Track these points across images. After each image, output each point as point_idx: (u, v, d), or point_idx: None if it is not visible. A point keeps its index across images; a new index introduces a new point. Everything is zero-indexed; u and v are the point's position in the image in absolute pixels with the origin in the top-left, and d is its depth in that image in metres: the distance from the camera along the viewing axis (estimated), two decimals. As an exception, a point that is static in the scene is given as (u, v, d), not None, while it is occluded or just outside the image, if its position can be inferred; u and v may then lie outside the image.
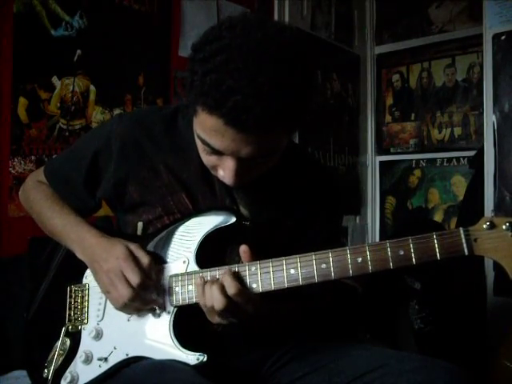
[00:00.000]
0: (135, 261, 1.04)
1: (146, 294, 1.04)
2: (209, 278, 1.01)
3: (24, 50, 1.81)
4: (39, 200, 1.24)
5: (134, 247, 1.06)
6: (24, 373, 1.19)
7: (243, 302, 0.97)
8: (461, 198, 2.99)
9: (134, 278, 1.01)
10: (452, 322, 2.46)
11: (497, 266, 2.37)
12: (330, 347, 1.15)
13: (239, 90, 0.87)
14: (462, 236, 0.89)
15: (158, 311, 1.06)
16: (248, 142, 0.93)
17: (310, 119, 2.81)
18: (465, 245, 0.89)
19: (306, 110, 0.99)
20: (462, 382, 0.98)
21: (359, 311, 2.26)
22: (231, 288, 0.96)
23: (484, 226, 0.89)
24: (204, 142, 0.98)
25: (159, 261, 1.10)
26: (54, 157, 1.83)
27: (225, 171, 1.00)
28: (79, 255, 1.12)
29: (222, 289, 0.96)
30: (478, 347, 2.39)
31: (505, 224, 0.88)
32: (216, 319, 0.99)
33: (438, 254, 0.90)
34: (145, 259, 1.05)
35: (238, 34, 0.90)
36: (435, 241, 0.90)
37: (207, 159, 1.03)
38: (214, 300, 0.96)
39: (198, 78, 0.91)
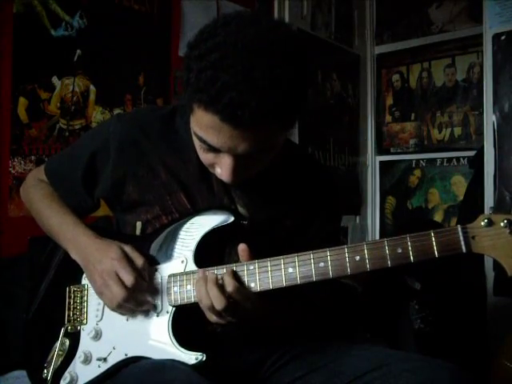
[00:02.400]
0: (129, 262, 1.04)
1: (140, 294, 1.05)
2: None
3: (24, 50, 1.81)
4: (38, 198, 1.24)
5: (128, 248, 1.06)
6: (24, 373, 1.19)
7: (241, 300, 0.97)
8: (461, 197, 2.98)
9: (128, 278, 1.02)
10: (452, 322, 2.45)
11: (497, 266, 2.37)
12: (329, 347, 1.15)
13: (234, 85, 0.87)
14: (460, 233, 0.89)
15: (157, 311, 1.06)
16: (244, 138, 0.93)
17: (308, 116, 2.81)
18: (462, 242, 0.89)
19: (302, 105, 0.99)
20: (463, 382, 0.98)
21: (359, 311, 2.26)
22: (229, 287, 0.96)
23: (482, 224, 0.89)
24: (201, 140, 0.98)
25: (157, 260, 1.10)
26: (54, 155, 1.83)
27: (222, 168, 0.99)
28: (74, 255, 1.12)
29: (221, 287, 0.96)
30: (478, 347, 2.38)
31: (503, 221, 0.87)
32: (214, 318, 0.99)
33: (435, 252, 0.90)
34: (139, 260, 1.05)
35: (232, 31, 0.91)
36: (433, 238, 0.90)
37: (204, 157, 1.03)
38: (212, 299, 0.96)
39: (194, 75, 0.91)
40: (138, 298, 1.05)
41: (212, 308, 0.97)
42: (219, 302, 0.95)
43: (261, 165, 1.03)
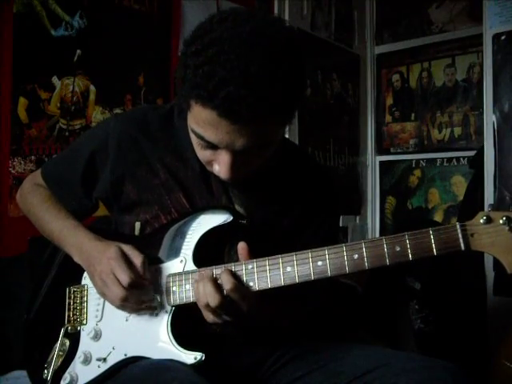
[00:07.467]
0: (127, 261, 1.03)
1: (139, 293, 1.04)
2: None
3: (24, 50, 1.81)
4: (36, 204, 1.23)
5: (127, 248, 1.06)
6: (24, 373, 1.19)
7: (238, 299, 0.96)
8: (461, 198, 2.98)
9: (124, 278, 1.01)
10: (452, 322, 2.45)
11: (497, 266, 2.37)
12: (329, 347, 1.15)
13: (231, 80, 0.87)
14: (459, 231, 0.89)
15: (156, 311, 1.06)
16: (242, 134, 0.93)
17: (308, 116, 2.81)
18: (461, 240, 0.88)
19: (299, 99, 0.99)
20: (462, 382, 0.98)
21: (359, 311, 2.26)
22: (227, 284, 0.96)
23: (481, 221, 0.88)
24: (198, 136, 0.98)
25: (157, 260, 1.10)
26: (50, 159, 1.83)
27: (220, 165, 0.99)
28: (76, 259, 1.12)
29: (218, 285, 0.96)
30: (478, 347, 2.38)
31: (501, 218, 0.87)
32: (211, 317, 0.99)
33: (434, 250, 0.89)
34: (137, 259, 1.04)
35: (228, 27, 0.91)
36: (431, 236, 0.90)
37: (202, 154, 1.03)
38: (209, 296, 0.95)
39: (191, 72, 0.91)
40: (138, 296, 1.05)
41: (207, 305, 0.96)
42: (216, 301, 0.95)
43: (259, 161, 1.03)
